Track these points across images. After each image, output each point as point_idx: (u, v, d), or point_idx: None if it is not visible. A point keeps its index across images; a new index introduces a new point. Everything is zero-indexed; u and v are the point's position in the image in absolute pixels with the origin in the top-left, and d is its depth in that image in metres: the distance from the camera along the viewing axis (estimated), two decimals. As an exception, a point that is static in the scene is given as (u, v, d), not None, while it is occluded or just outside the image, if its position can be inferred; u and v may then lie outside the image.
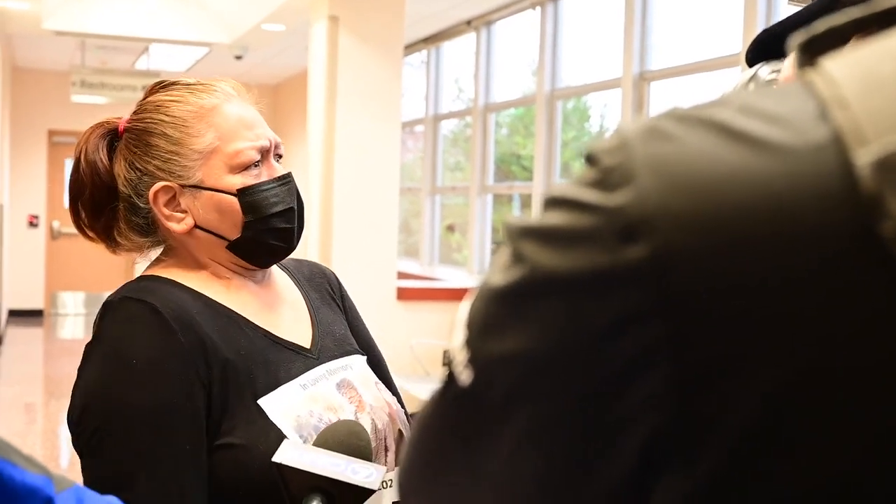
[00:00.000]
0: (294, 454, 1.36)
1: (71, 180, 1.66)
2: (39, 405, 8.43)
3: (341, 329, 1.75)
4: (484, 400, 0.63)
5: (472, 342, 0.63)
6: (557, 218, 0.60)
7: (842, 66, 0.59)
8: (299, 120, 9.70)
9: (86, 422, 1.47)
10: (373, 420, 1.60)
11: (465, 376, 0.63)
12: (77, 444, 1.49)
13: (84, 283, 13.56)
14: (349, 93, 6.75)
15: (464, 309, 0.66)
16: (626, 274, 0.56)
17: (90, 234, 1.67)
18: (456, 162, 9.86)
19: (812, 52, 0.63)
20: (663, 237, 0.55)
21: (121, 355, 1.47)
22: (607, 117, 7.64)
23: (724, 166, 0.56)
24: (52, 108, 13.41)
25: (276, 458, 1.35)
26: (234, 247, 1.61)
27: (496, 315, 0.62)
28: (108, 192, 1.63)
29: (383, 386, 1.73)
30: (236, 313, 1.58)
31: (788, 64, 0.84)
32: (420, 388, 6.25)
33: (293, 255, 1.73)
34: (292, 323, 1.67)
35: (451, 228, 9.71)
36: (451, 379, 0.65)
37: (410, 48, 9.37)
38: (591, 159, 0.61)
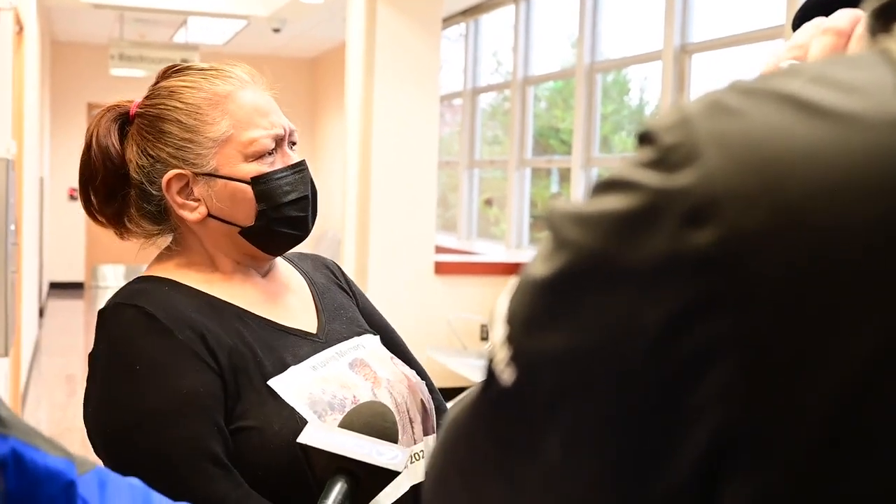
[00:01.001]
0: (319, 435, 1.35)
1: (82, 164, 1.64)
2: (80, 377, 8.50)
3: (350, 312, 1.74)
4: (529, 400, 0.58)
5: (514, 338, 0.59)
6: (611, 202, 0.55)
7: None
8: (338, 93, 9.69)
9: (103, 424, 1.47)
10: (391, 394, 1.59)
11: (506, 375, 0.59)
12: (96, 447, 1.49)
13: (124, 256, 13.66)
14: (387, 66, 6.73)
15: (502, 302, 0.61)
16: (692, 261, 0.52)
17: (100, 219, 1.65)
18: (494, 136, 9.81)
19: (887, 19, 0.59)
20: (733, 220, 0.51)
21: (122, 363, 1.46)
22: (647, 90, 7.56)
23: (798, 142, 0.52)
24: (91, 82, 13.48)
25: (301, 438, 1.35)
26: (246, 234, 1.59)
27: (541, 307, 0.57)
28: (121, 177, 1.61)
29: (399, 361, 1.71)
30: (238, 307, 1.57)
31: (804, 34, 0.79)
32: (457, 362, 6.24)
33: (318, 242, 1.71)
34: (297, 311, 1.66)
35: (488, 202, 9.68)
36: (491, 378, 0.61)
37: (449, 21, 9.32)
38: (647, 138, 0.56)
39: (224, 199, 1.57)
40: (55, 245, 13.22)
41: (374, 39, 6.72)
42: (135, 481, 1.04)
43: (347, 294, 1.79)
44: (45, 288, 12.48)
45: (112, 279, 14.10)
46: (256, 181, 1.56)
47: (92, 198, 1.64)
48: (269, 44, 12.38)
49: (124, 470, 1.41)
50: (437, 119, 7.01)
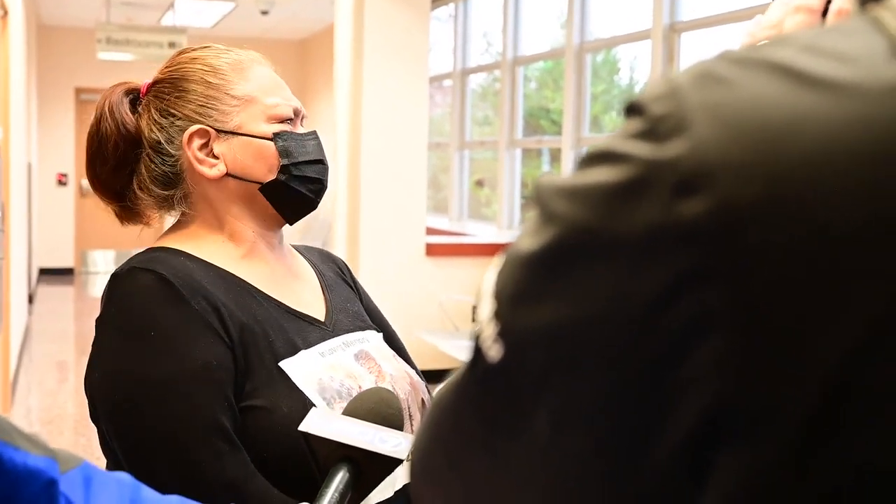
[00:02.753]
0: (321, 423, 1.33)
1: (91, 135, 1.62)
2: (71, 363, 8.49)
3: (355, 306, 1.73)
4: (517, 377, 0.57)
5: (501, 314, 0.58)
6: (600, 174, 0.55)
7: None
8: (326, 75, 9.67)
9: (110, 394, 1.44)
10: (394, 388, 1.57)
11: (494, 351, 0.58)
12: (100, 415, 1.46)
13: (114, 242, 13.64)
14: (376, 48, 6.70)
15: (489, 278, 0.60)
16: (683, 231, 0.51)
17: (106, 194, 1.64)
18: (484, 116, 9.80)
19: None
20: (725, 190, 0.50)
21: (136, 327, 1.44)
22: (637, 70, 7.56)
23: (790, 110, 0.51)
24: (78, 66, 13.42)
25: (303, 426, 1.33)
26: (266, 190, 1.59)
27: (529, 282, 0.57)
28: (133, 143, 1.60)
29: (401, 359, 1.71)
30: (250, 284, 1.56)
31: (776, 12, 0.78)
32: (449, 344, 6.24)
33: (309, 227, 1.71)
34: (306, 297, 1.65)
35: (479, 183, 9.67)
36: (478, 355, 0.60)
37: (438, 2, 9.29)
38: (635, 109, 0.56)
39: (246, 156, 1.58)
40: (44, 231, 13.19)
41: (363, 21, 6.69)
42: (123, 476, 1.02)
43: (352, 290, 1.79)
44: (35, 274, 12.44)
45: (102, 264, 14.07)
46: (279, 136, 1.58)
47: (99, 169, 1.62)
48: (258, 26, 12.33)
49: (129, 438, 1.41)
50: (427, 100, 6.99)
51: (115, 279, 1.49)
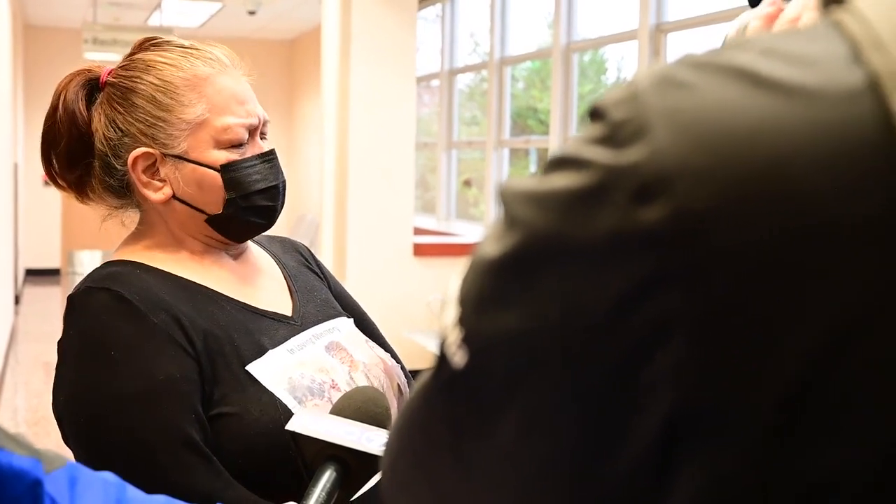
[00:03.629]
0: (307, 422, 1.33)
1: (46, 127, 1.59)
2: (58, 363, 8.45)
3: (322, 294, 1.71)
4: (480, 383, 0.57)
5: (465, 320, 0.58)
6: (561, 179, 0.55)
7: (873, 3, 0.54)
8: (315, 75, 9.65)
9: (77, 412, 1.42)
10: (368, 378, 1.57)
11: (458, 358, 0.58)
12: (75, 433, 1.44)
13: (100, 242, 13.56)
14: (364, 48, 6.69)
15: (454, 284, 0.60)
16: (642, 238, 0.51)
17: (61, 183, 1.61)
18: (472, 116, 9.79)
19: None
20: (683, 196, 0.50)
21: (97, 348, 1.42)
22: (624, 70, 7.56)
23: (749, 116, 0.51)
24: (64, 66, 13.10)
25: (290, 426, 1.32)
26: (212, 221, 1.55)
27: (492, 288, 0.56)
28: (85, 145, 1.56)
29: (374, 344, 1.69)
30: (211, 290, 1.54)
31: (796, 5, 0.78)
32: (436, 344, 6.24)
33: (297, 226, 1.70)
34: (271, 293, 1.63)
35: (467, 183, 9.66)
36: (442, 361, 0.60)
37: (425, 2, 9.28)
38: (597, 113, 0.56)
39: (191, 183, 1.53)
40: (31, 231, 13.13)
41: (350, 21, 6.69)
42: (109, 476, 1.02)
43: (318, 277, 1.76)
44: (22, 275, 12.39)
45: (89, 265, 14.00)
46: (226, 168, 1.52)
47: (54, 163, 1.60)
48: (245, 26, 12.30)
49: (100, 458, 1.37)
50: (415, 100, 6.98)
51: (73, 301, 1.47)
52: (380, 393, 1.42)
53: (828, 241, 0.49)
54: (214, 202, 1.54)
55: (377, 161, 6.74)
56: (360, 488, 1.36)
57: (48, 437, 6.03)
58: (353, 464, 1.30)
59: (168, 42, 1.59)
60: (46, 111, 1.59)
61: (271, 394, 1.44)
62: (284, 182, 1.61)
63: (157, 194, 1.54)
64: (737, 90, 0.52)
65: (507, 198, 0.57)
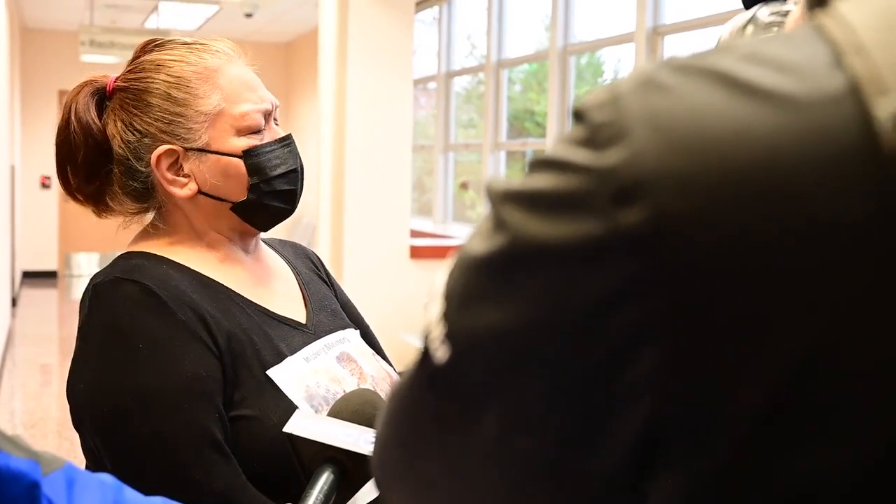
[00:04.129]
0: (305, 424, 1.33)
1: (59, 142, 1.59)
2: (55, 366, 8.45)
3: (333, 304, 1.72)
4: (462, 378, 0.58)
5: (449, 315, 0.58)
6: (543, 181, 0.55)
7: (856, 8, 0.54)
8: (311, 78, 9.65)
9: (99, 402, 1.42)
10: (376, 390, 1.57)
11: (441, 353, 0.58)
12: (89, 428, 1.43)
13: (97, 244, 13.58)
14: (360, 50, 6.69)
15: (440, 279, 0.61)
16: (622, 241, 0.51)
17: (79, 197, 1.61)
18: (469, 119, 9.79)
19: None
20: (662, 199, 0.51)
21: (123, 340, 1.42)
22: (621, 72, 7.56)
23: (728, 121, 0.51)
24: (62, 69, 13.34)
25: (288, 428, 1.33)
26: (237, 209, 1.56)
27: (477, 286, 0.57)
28: (103, 154, 1.56)
29: (380, 358, 1.70)
30: (230, 290, 1.54)
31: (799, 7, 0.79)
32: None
33: (294, 228, 1.70)
34: (286, 298, 1.63)
35: (464, 186, 9.66)
36: (426, 356, 0.60)
37: (422, 4, 9.28)
38: (579, 115, 0.56)
39: (216, 174, 1.54)
40: (28, 234, 13.12)
41: (347, 23, 6.68)
42: (106, 478, 1.02)
43: (327, 286, 1.77)
44: (18, 277, 12.38)
45: (86, 267, 14.00)
46: (248, 154, 1.54)
47: (70, 177, 1.59)
48: (242, 29, 12.30)
49: (120, 451, 1.39)
50: (412, 103, 6.98)
51: (98, 289, 1.46)
52: (376, 395, 1.43)
53: (809, 245, 0.49)
54: (238, 190, 1.55)
55: (374, 163, 6.74)
56: (356, 490, 1.36)
57: (45, 440, 6.02)
58: (350, 466, 1.31)
59: (171, 41, 1.60)
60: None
61: (290, 400, 1.45)
62: (303, 166, 1.63)
63: (183, 190, 1.55)
64: (716, 95, 0.52)
65: (494, 197, 0.58)
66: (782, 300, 0.49)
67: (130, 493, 1.03)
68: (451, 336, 0.58)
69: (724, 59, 0.54)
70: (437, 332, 0.59)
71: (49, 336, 10.03)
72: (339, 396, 1.48)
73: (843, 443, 0.50)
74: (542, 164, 0.56)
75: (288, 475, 1.40)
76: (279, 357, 1.50)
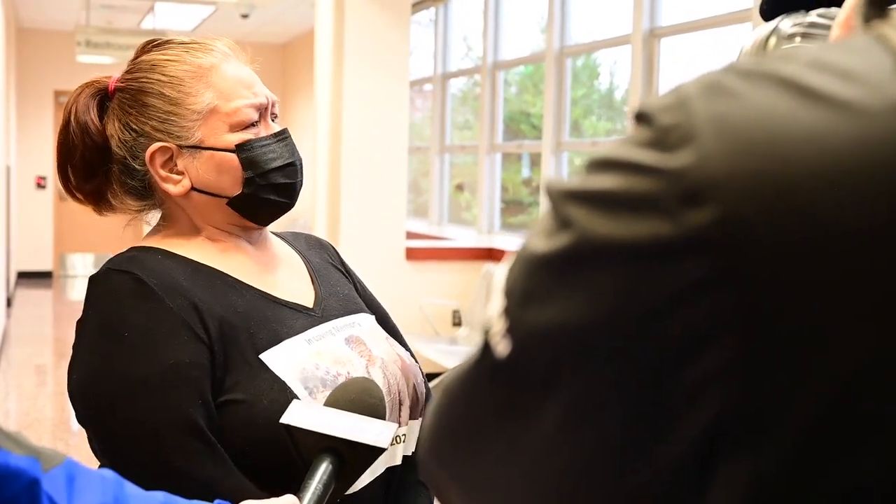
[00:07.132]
0: (302, 414, 1.34)
1: (60, 142, 1.62)
2: (50, 367, 8.44)
3: (345, 290, 1.73)
4: (524, 373, 0.59)
5: (511, 311, 0.59)
6: (609, 181, 0.56)
7: None
8: (308, 79, 9.64)
9: (92, 389, 1.45)
10: (384, 373, 1.58)
11: (502, 347, 0.59)
12: (83, 414, 1.47)
13: (93, 245, 13.57)
14: (357, 52, 6.69)
15: (500, 275, 0.61)
16: (690, 241, 0.52)
17: (79, 196, 1.64)
18: (465, 121, 9.80)
19: (881, 4, 0.59)
20: (731, 202, 0.51)
21: (112, 329, 1.45)
22: (617, 74, 7.57)
23: (796, 126, 0.52)
24: (57, 69, 13.34)
25: (284, 419, 1.33)
26: (234, 204, 1.58)
27: (540, 283, 0.58)
28: (101, 153, 1.60)
29: (395, 341, 1.71)
30: (230, 276, 1.56)
31: (843, 16, 0.79)
32: (429, 347, 6.23)
33: (289, 229, 1.72)
34: (292, 284, 1.65)
35: (460, 187, 9.66)
36: (486, 349, 0.61)
37: (418, 6, 9.29)
38: (643, 118, 0.57)
39: (210, 170, 1.56)
40: (23, 234, 13.11)
41: (344, 25, 6.69)
42: (107, 473, 1.02)
43: (344, 275, 1.79)
44: (13, 277, 12.37)
45: (81, 268, 13.99)
46: (241, 148, 1.56)
47: (70, 175, 1.62)
48: (238, 30, 12.29)
49: (107, 439, 1.42)
50: (408, 104, 6.98)
51: (92, 281, 1.50)
52: (373, 382, 1.43)
53: (875, 253, 0.50)
54: (233, 184, 1.57)
55: (370, 165, 6.74)
56: (356, 479, 1.37)
57: (40, 441, 5.99)
58: (348, 455, 1.31)
59: (169, 41, 1.63)
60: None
61: (283, 382, 1.46)
62: (301, 160, 1.64)
63: (177, 187, 1.57)
64: (783, 100, 0.53)
65: (555, 196, 0.58)
66: (848, 306, 0.50)
67: (131, 488, 1.03)
68: (513, 331, 0.59)
69: (788, 65, 0.55)
70: (499, 326, 0.60)
71: (44, 336, 10.01)
72: (341, 378, 1.49)
73: None
74: (605, 164, 0.57)
75: (280, 459, 1.40)
76: (276, 339, 1.51)
